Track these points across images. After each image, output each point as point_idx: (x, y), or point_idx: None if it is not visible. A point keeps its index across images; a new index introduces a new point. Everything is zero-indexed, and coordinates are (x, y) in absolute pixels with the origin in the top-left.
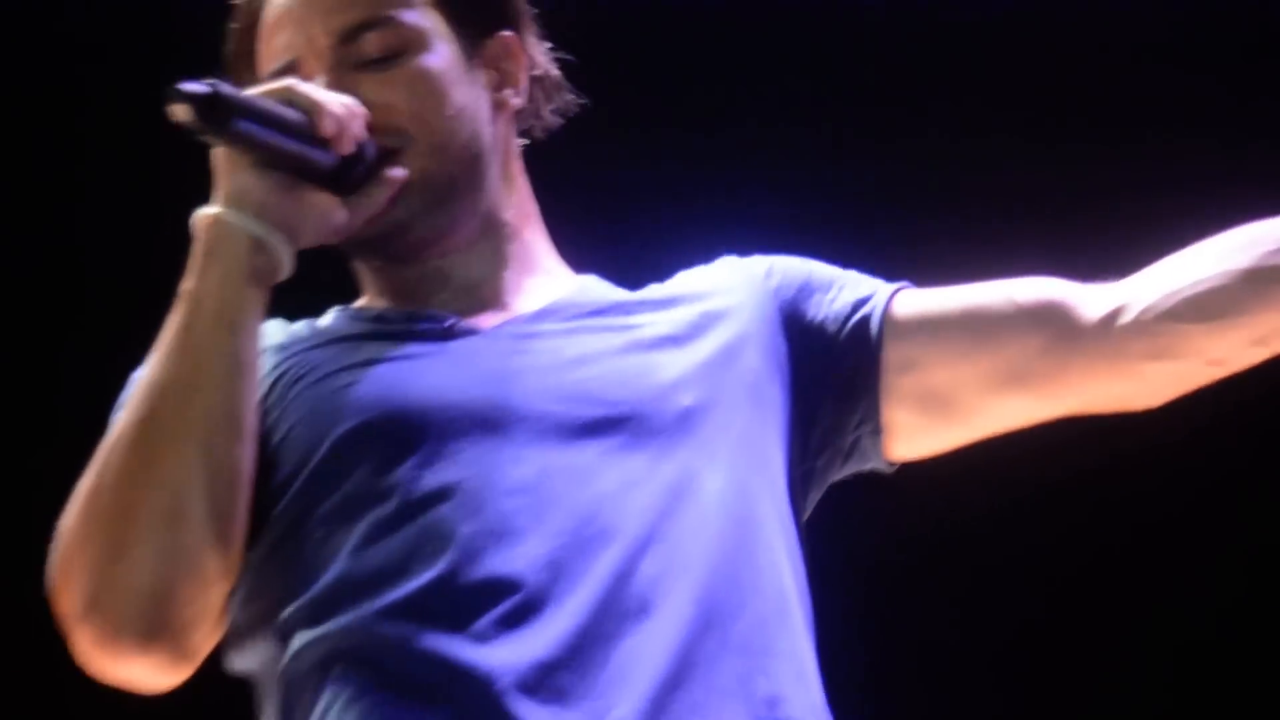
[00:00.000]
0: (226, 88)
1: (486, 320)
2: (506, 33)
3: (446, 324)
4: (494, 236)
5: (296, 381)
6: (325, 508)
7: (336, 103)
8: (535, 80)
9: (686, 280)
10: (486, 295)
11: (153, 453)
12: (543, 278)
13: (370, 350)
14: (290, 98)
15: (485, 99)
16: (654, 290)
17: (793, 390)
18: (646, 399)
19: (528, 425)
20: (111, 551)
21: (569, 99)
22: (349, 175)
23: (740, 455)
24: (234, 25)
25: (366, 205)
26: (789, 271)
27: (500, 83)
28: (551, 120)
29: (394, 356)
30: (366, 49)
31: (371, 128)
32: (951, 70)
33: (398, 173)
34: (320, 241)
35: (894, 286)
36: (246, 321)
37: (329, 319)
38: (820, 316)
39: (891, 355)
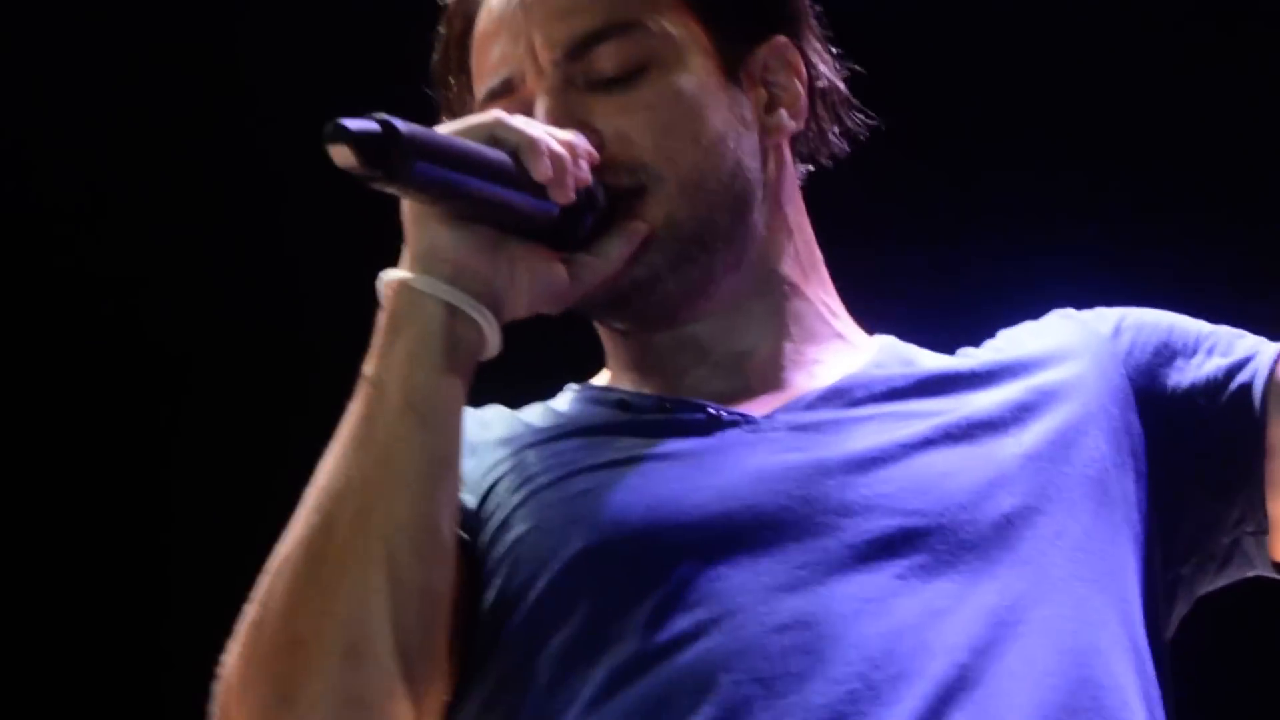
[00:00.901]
0: (402, 124)
1: (758, 405)
2: (780, 38)
3: (708, 413)
4: (766, 295)
5: (522, 485)
6: (555, 645)
7: (554, 140)
8: (817, 95)
9: (1011, 343)
10: (758, 371)
11: (326, 575)
12: (829, 345)
13: (614, 448)
14: (495, 133)
15: (752, 123)
16: (969, 358)
17: (1150, 481)
18: (957, 505)
19: (805, 543)
20: (279, 696)
21: (858, 118)
22: (573, 229)
23: (1080, 570)
24: (443, 32)
25: (597, 266)
26: (1143, 328)
27: (771, 102)
28: (837, 145)
29: (642, 456)
30: (600, 65)
31: (605, 166)
32: None
33: (638, 227)
34: (537, 311)
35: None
36: (441, 410)
37: (564, 402)
38: (1185, 385)
39: (1278, 434)
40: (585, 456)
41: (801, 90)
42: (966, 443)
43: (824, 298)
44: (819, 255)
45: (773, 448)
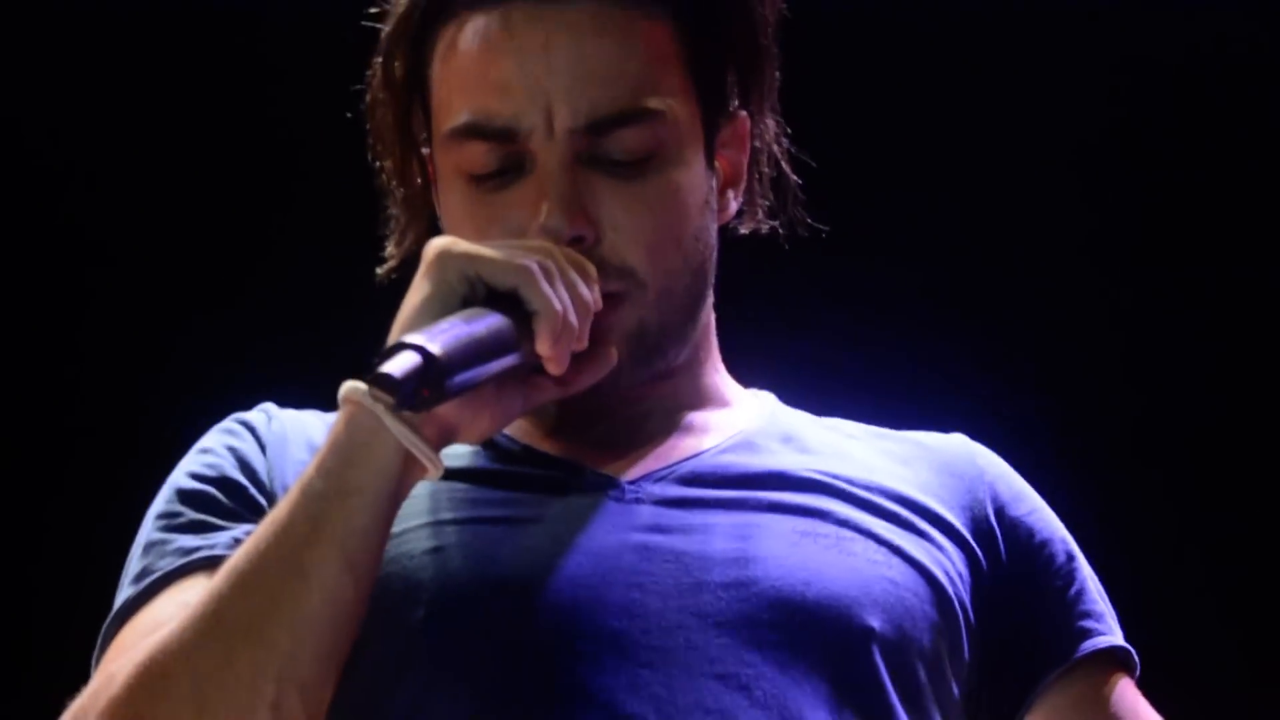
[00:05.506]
0: (436, 345)
1: (631, 465)
2: (743, 114)
3: (573, 473)
4: (684, 368)
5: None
6: (388, 712)
7: (571, 310)
8: (754, 167)
9: (901, 446)
10: (649, 433)
11: (211, 699)
12: (716, 410)
13: (469, 501)
14: (520, 286)
15: (715, 210)
16: (853, 446)
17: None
18: (815, 619)
19: (651, 640)
20: None
21: (795, 206)
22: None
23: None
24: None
25: (557, 392)
26: (1021, 543)
27: (725, 182)
28: (763, 222)
29: (497, 517)
30: (612, 147)
31: (594, 263)
32: None
33: (610, 357)
34: (484, 438)
35: (1095, 644)
36: (372, 563)
37: None
38: (1014, 620)
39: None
40: (438, 506)
41: (745, 166)
42: (836, 551)
43: (716, 360)
44: (713, 316)
45: (633, 523)
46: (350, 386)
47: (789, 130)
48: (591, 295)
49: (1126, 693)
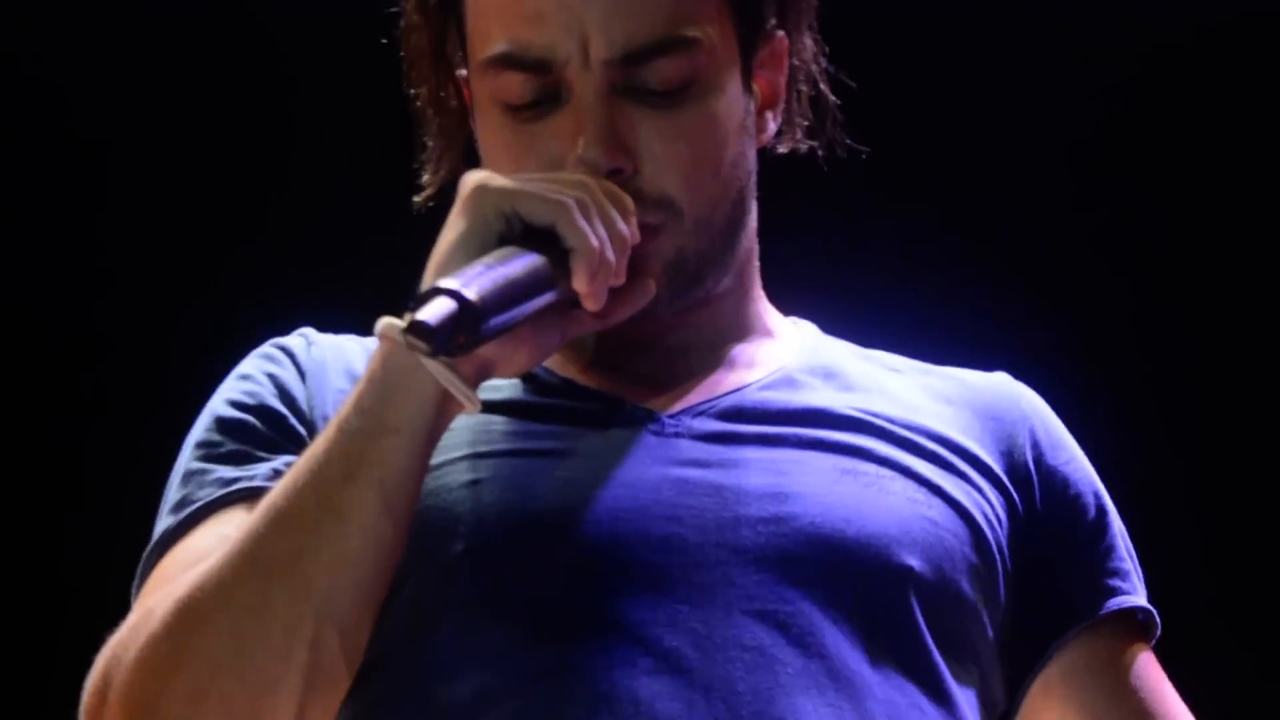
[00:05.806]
0: (471, 289)
1: (672, 398)
2: (781, 34)
3: (612, 406)
4: (724, 298)
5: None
6: (428, 647)
7: (609, 246)
8: (793, 87)
9: (945, 384)
10: (688, 365)
11: (250, 638)
12: (758, 342)
13: (508, 433)
14: (558, 223)
15: (753, 133)
16: (895, 384)
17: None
18: (856, 559)
19: (690, 577)
20: None
21: (835, 126)
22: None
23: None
24: None
25: (595, 324)
26: (1056, 492)
27: (762, 103)
28: (801, 141)
29: (538, 450)
30: (649, 77)
31: (633, 196)
32: None
33: (649, 289)
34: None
35: (1119, 603)
36: (409, 503)
37: None
38: (1045, 574)
39: (1042, 680)
40: (476, 440)
41: (783, 86)
42: (875, 490)
43: (758, 288)
44: (756, 242)
45: (671, 457)
46: (387, 323)
47: (827, 49)
48: (629, 230)
49: (1149, 666)
